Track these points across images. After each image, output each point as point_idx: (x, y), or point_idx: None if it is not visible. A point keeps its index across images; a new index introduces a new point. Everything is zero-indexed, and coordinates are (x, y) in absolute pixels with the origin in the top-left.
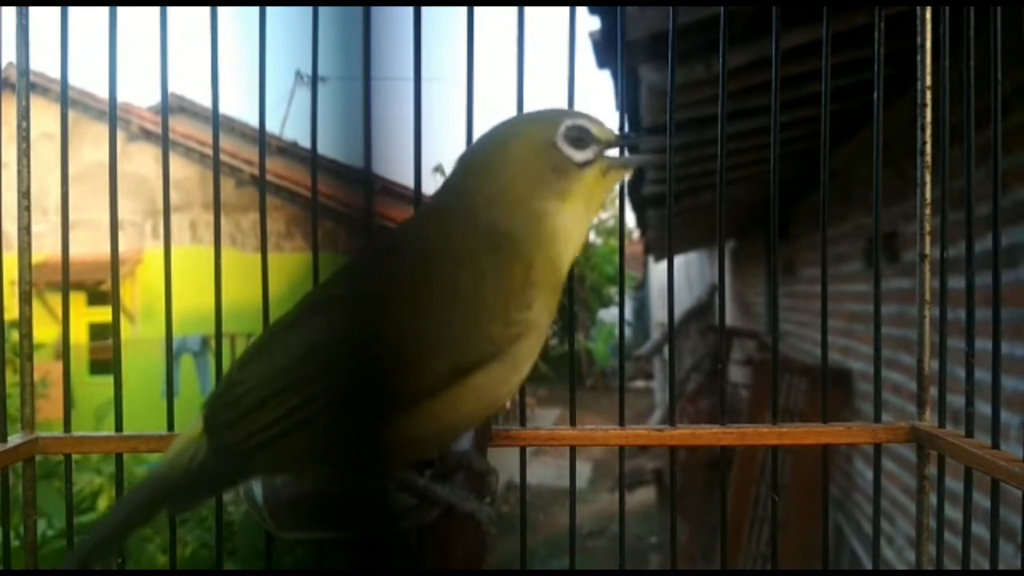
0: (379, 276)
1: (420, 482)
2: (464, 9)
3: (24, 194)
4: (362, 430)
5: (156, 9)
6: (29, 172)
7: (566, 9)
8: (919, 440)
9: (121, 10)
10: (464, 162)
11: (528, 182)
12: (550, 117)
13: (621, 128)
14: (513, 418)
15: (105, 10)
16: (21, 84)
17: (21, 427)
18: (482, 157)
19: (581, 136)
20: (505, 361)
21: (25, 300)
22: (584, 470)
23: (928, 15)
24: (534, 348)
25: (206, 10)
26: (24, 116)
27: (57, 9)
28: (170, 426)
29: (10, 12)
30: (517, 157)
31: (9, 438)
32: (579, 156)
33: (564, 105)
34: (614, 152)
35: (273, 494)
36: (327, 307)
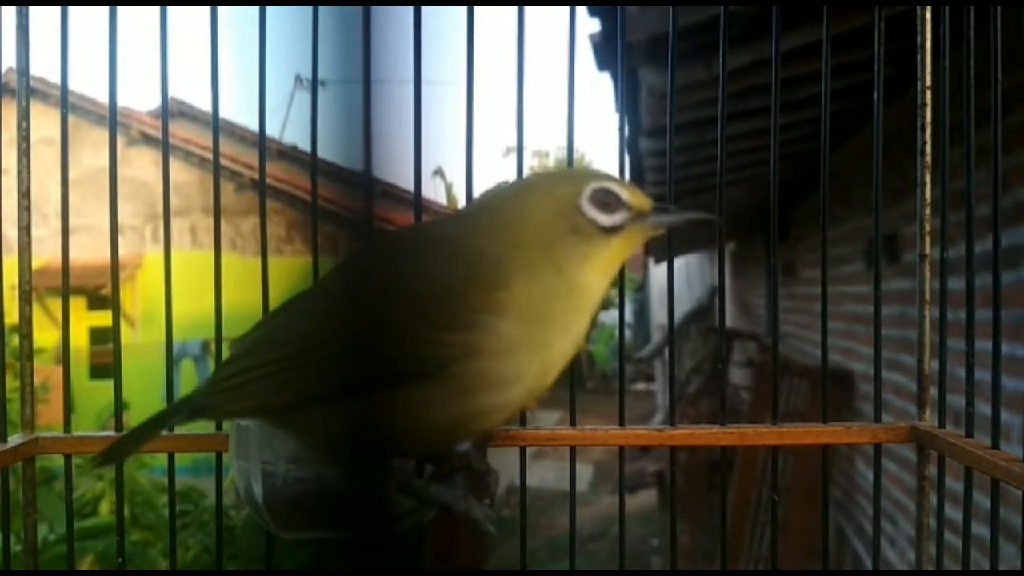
0: (349, 273)
1: (417, 482)
2: (464, 13)
3: (24, 193)
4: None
5: (156, 14)
6: (29, 170)
7: (566, 12)
8: (919, 440)
9: (120, 15)
10: (482, 199)
11: (545, 236)
12: (577, 177)
13: (621, 130)
14: (513, 419)
15: (105, 15)
16: (21, 83)
17: (21, 427)
18: (500, 200)
19: (607, 200)
20: (441, 382)
21: (25, 299)
22: (585, 473)
23: (928, 15)
24: (498, 376)
25: (206, 14)
26: (24, 116)
27: (56, 14)
28: (170, 428)
29: (10, 12)
30: (536, 209)
31: (9, 438)
32: (606, 220)
33: (564, 111)
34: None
35: (273, 494)
36: (309, 293)
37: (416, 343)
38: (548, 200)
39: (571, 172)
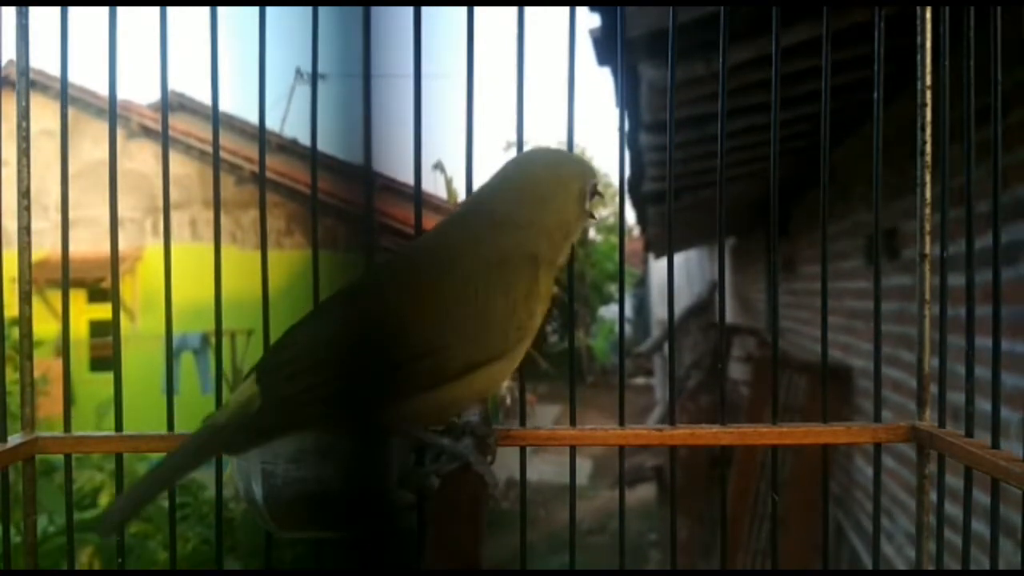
0: (409, 273)
1: (445, 440)
2: (464, 7)
3: (24, 194)
4: (372, 402)
5: (156, 7)
6: (29, 172)
7: (566, 7)
8: (919, 440)
9: (121, 7)
10: (511, 176)
11: (563, 218)
12: (588, 170)
13: (621, 125)
14: (514, 415)
15: (104, 7)
16: (21, 85)
17: (21, 425)
18: (534, 181)
19: (594, 194)
20: (507, 359)
21: (25, 301)
22: (584, 466)
23: (928, 15)
24: (527, 345)
25: (206, 7)
26: (24, 116)
27: (57, 7)
28: (170, 425)
29: (10, 12)
30: (566, 196)
31: (9, 438)
32: (590, 207)
33: (564, 106)
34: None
35: (273, 493)
36: (364, 293)
37: (503, 339)
38: (575, 189)
39: (576, 164)
